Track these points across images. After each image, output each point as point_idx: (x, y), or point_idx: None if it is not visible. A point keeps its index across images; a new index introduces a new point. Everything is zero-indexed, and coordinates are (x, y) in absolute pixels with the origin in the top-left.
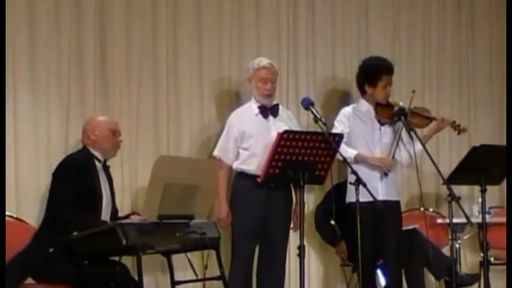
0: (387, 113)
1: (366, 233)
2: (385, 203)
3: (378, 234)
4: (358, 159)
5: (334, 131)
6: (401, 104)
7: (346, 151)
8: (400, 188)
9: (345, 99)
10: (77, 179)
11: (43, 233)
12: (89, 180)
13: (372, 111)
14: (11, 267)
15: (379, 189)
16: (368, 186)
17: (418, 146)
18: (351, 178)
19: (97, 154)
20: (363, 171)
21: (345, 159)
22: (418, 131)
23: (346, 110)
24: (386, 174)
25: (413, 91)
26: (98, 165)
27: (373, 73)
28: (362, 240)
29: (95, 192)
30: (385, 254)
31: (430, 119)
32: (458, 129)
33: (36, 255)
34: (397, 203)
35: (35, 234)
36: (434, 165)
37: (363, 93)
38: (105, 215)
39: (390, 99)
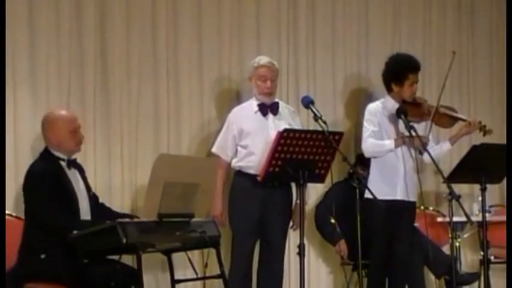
0: (413, 111)
1: (381, 232)
2: (402, 202)
3: (392, 234)
4: (398, 144)
5: (365, 130)
6: (428, 102)
7: (384, 144)
8: None
9: (344, 98)
10: (49, 192)
11: (30, 244)
12: (61, 187)
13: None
14: (8, 281)
15: (398, 188)
16: (389, 183)
17: (444, 147)
18: (373, 174)
19: (60, 155)
20: (388, 168)
21: (345, 158)
22: (446, 131)
23: (373, 107)
24: (421, 153)
25: (443, 86)
26: (63, 163)
27: (400, 72)
28: (377, 239)
29: (70, 197)
30: (396, 254)
31: (457, 120)
32: (484, 130)
33: (29, 266)
34: (413, 204)
35: (21, 249)
36: (434, 163)
37: (389, 90)
38: (85, 211)
39: (417, 97)
